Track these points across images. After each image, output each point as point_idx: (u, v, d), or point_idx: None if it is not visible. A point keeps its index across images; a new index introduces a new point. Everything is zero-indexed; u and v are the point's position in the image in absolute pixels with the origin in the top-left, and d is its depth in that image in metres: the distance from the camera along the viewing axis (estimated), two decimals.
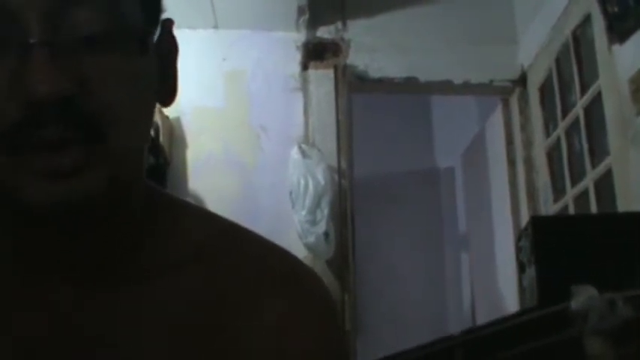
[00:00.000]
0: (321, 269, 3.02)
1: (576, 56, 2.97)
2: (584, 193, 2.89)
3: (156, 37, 0.67)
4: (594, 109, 2.82)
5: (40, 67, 0.56)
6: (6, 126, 0.58)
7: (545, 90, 3.32)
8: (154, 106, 0.68)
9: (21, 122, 0.57)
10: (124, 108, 0.61)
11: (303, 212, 3.05)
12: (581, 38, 2.95)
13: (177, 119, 3.30)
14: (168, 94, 0.70)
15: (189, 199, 3.13)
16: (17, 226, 0.64)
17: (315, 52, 3.43)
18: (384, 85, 3.49)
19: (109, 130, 0.60)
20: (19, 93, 0.57)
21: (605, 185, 2.71)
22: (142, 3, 0.64)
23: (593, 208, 2.81)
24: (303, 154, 3.16)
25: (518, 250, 1.98)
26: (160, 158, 3.07)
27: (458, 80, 3.47)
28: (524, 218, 3.27)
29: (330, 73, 3.41)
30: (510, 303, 3.26)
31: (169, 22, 0.70)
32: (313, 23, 3.44)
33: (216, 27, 3.41)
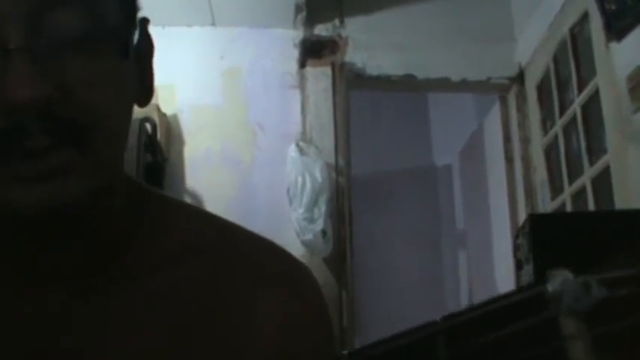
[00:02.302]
0: (318, 267, 3.02)
1: (574, 54, 2.97)
2: (582, 191, 2.89)
3: (135, 37, 0.66)
4: (592, 106, 2.82)
5: (20, 72, 0.55)
6: None
7: (542, 87, 3.31)
8: (132, 108, 0.67)
9: (3, 131, 0.56)
10: (106, 112, 0.60)
11: (301, 210, 3.04)
12: (578, 36, 2.95)
13: (175, 116, 3.30)
14: (144, 95, 0.69)
15: (186, 197, 3.13)
16: (3, 232, 0.64)
17: (312, 50, 3.42)
18: (381, 82, 3.49)
19: (91, 134, 0.59)
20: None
21: (603, 183, 2.70)
22: (120, 3, 0.63)
23: (591, 206, 2.80)
24: (301, 151, 3.16)
25: (516, 247, 1.98)
26: (158, 156, 3.07)
27: (455, 78, 3.47)
28: (522, 216, 3.27)
29: (327, 70, 3.40)
30: None
31: (145, 21, 0.68)
32: (311, 21, 3.43)
33: (213, 24, 3.40)
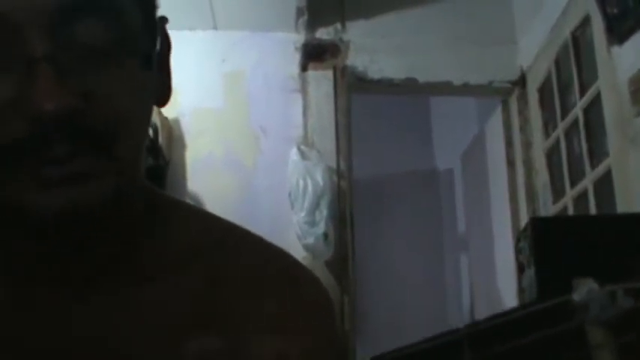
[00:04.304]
0: (320, 270, 3.02)
1: (575, 57, 2.97)
2: (584, 194, 2.89)
3: (157, 45, 0.66)
4: (593, 110, 2.82)
5: (46, 83, 0.56)
6: (10, 140, 0.57)
7: (544, 91, 3.32)
8: (152, 113, 0.68)
9: (26, 138, 0.57)
10: (128, 120, 0.61)
11: (302, 213, 3.05)
12: (580, 39, 2.95)
13: (177, 120, 3.30)
14: (163, 94, 0.70)
15: (188, 200, 3.13)
16: (11, 235, 0.64)
17: (314, 53, 3.43)
18: (383, 86, 3.49)
19: (114, 142, 0.60)
20: (24, 108, 0.56)
21: (605, 186, 2.71)
22: (143, 14, 0.63)
23: (593, 209, 2.81)
24: (303, 155, 3.17)
25: (518, 251, 1.98)
26: (160, 159, 3.07)
27: (457, 81, 3.47)
28: (524, 219, 3.27)
29: (329, 74, 3.41)
30: (510, 304, 3.26)
31: (163, 20, 0.69)
32: (312, 24, 3.44)
33: (215, 28, 3.41)
